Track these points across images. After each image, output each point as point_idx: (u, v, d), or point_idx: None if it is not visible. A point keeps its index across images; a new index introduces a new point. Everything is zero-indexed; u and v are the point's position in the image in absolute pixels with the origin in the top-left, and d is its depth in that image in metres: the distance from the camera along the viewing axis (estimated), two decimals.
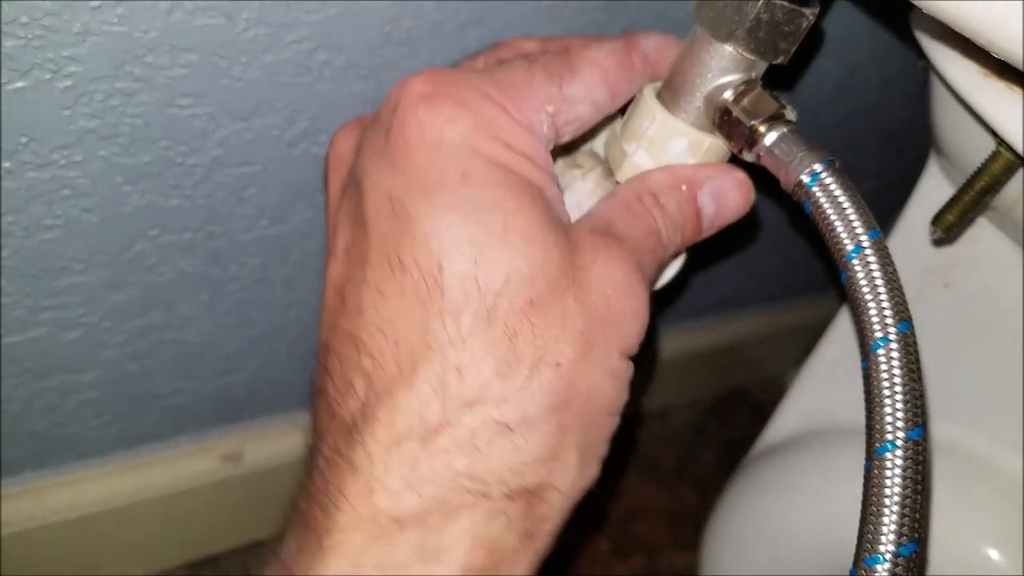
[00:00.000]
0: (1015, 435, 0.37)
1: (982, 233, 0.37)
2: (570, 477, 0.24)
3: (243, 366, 0.46)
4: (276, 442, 0.51)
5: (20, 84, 0.30)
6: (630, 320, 0.25)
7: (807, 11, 0.27)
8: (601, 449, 0.25)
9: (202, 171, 0.36)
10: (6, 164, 0.32)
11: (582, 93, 0.27)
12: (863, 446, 0.24)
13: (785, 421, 0.45)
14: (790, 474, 0.42)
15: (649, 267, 0.26)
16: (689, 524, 0.67)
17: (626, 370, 0.25)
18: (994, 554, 0.36)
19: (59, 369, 0.40)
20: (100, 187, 0.34)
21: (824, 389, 0.44)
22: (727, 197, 0.29)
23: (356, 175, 0.26)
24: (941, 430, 0.38)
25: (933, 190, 0.39)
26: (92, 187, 0.34)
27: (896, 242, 0.40)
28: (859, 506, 0.23)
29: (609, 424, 0.25)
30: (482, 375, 0.23)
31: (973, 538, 0.37)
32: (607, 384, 0.25)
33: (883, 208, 0.44)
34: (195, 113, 0.34)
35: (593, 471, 0.25)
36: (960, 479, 0.37)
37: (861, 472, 0.23)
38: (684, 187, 0.28)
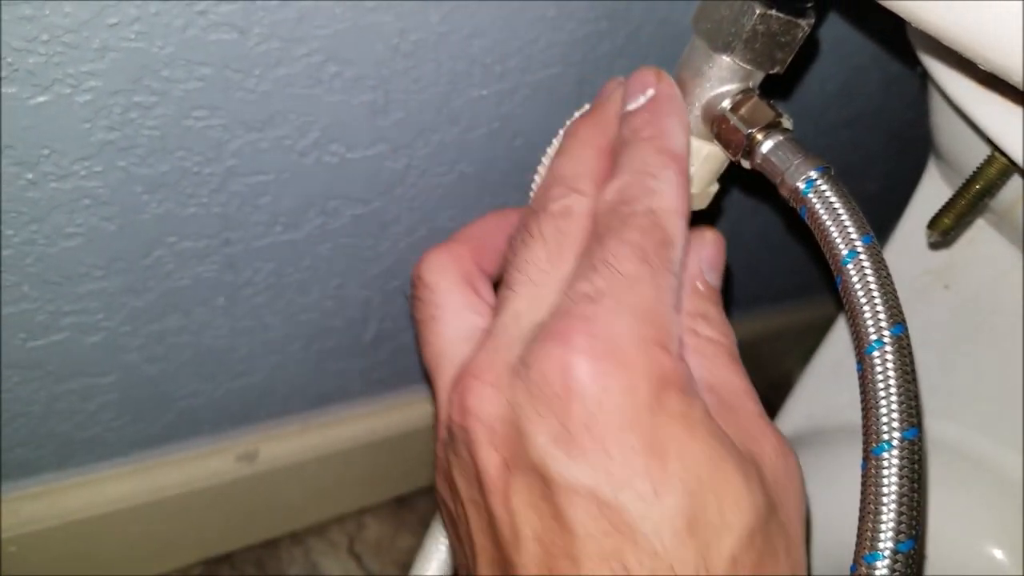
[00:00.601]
0: (1015, 435, 0.38)
1: (981, 235, 0.38)
2: None
3: (257, 368, 0.47)
4: (290, 442, 0.52)
5: (42, 99, 0.31)
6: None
7: (802, 22, 0.27)
8: None
9: (217, 180, 0.37)
10: (29, 175, 0.33)
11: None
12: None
13: (789, 421, 0.45)
14: None
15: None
16: None
17: None
18: (994, 552, 0.37)
19: (80, 372, 0.41)
20: (119, 196, 0.35)
21: (827, 389, 0.44)
22: (720, 261, 0.29)
23: (533, 463, 0.23)
24: (941, 430, 0.38)
25: (932, 193, 0.39)
26: (111, 196, 0.35)
27: (896, 244, 0.41)
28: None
29: None
30: None
31: (973, 536, 0.37)
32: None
33: (888, 208, 0.44)
34: (210, 124, 0.34)
35: None
36: (960, 478, 0.38)
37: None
38: (699, 284, 0.28)
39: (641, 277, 0.24)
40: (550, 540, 0.22)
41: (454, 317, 0.28)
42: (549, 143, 0.34)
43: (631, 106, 0.28)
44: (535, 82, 0.40)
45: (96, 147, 0.33)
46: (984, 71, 0.23)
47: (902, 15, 0.25)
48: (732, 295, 0.66)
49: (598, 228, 0.25)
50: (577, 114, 0.34)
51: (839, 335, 0.44)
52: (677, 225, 0.26)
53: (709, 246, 0.29)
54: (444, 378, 0.27)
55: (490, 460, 0.24)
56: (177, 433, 0.48)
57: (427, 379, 0.28)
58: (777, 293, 0.71)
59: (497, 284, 0.29)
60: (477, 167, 0.43)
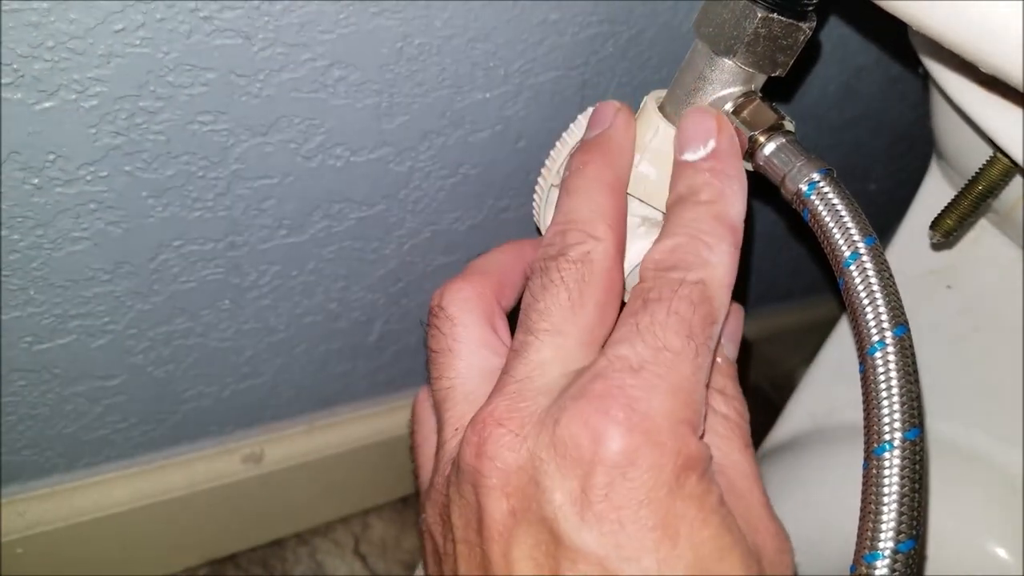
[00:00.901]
0: (1017, 433, 0.38)
1: (984, 235, 0.38)
2: None
3: (263, 370, 0.47)
4: (295, 443, 0.52)
5: (48, 104, 0.31)
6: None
7: (804, 25, 0.27)
8: None
9: (223, 184, 0.37)
10: (34, 180, 0.33)
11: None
12: None
13: (792, 420, 0.46)
14: (797, 473, 0.43)
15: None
16: None
17: None
18: (996, 551, 0.37)
19: (86, 375, 0.42)
20: (125, 201, 0.35)
21: (830, 388, 0.44)
22: (740, 332, 0.30)
23: (544, 518, 0.23)
24: (944, 429, 0.38)
25: (935, 193, 0.39)
26: (117, 201, 0.35)
27: (899, 245, 0.41)
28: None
29: None
30: None
31: (975, 535, 0.37)
32: None
33: (890, 208, 0.44)
34: (215, 129, 0.35)
35: None
36: (963, 477, 0.38)
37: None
38: (719, 358, 0.29)
39: (684, 354, 0.24)
40: None
41: (471, 354, 0.28)
42: (552, 146, 0.35)
43: (689, 156, 0.28)
44: (538, 85, 0.40)
45: (102, 152, 0.33)
46: (986, 73, 0.23)
47: (904, 19, 0.25)
48: (738, 294, 0.66)
49: (646, 289, 0.25)
50: (580, 117, 0.35)
51: (841, 335, 0.44)
52: (724, 302, 0.26)
53: (732, 318, 0.29)
54: (454, 413, 0.27)
55: (497, 507, 0.24)
56: (183, 435, 0.48)
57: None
58: (779, 293, 0.71)
59: (511, 318, 0.29)
60: (480, 169, 0.43)
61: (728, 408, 0.28)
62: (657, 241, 0.27)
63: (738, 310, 0.29)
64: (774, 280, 0.68)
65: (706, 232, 0.26)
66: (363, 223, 0.42)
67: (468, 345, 0.28)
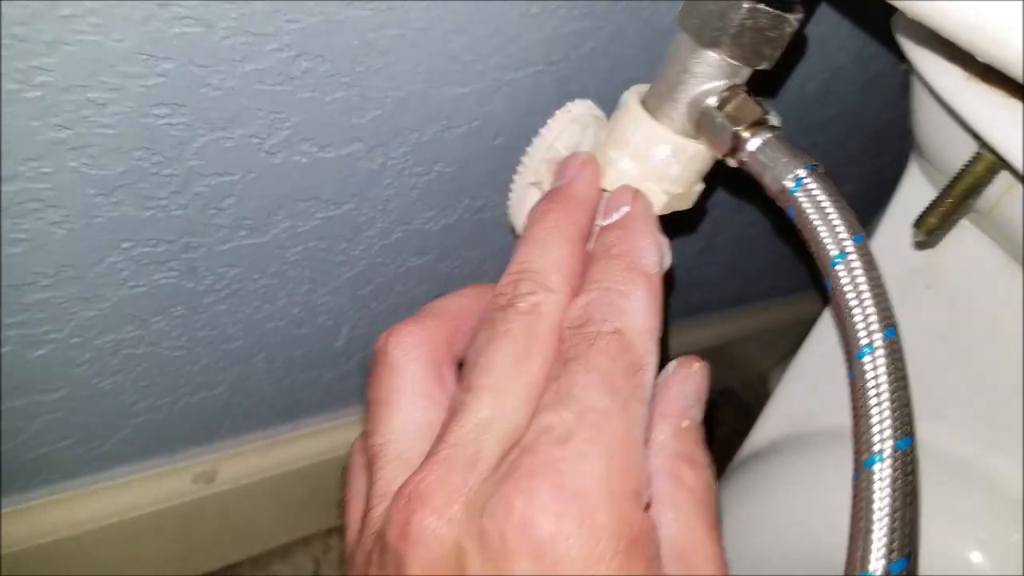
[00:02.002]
0: (997, 434, 0.38)
1: (964, 234, 0.38)
2: None
3: (219, 381, 0.45)
4: (252, 460, 0.50)
5: None
6: None
7: (791, 17, 0.27)
8: None
9: (178, 181, 0.34)
10: None
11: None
12: (848, 449, 0.24)
13: (770, 426, 0.45)
14: (775, 480, 0.42)
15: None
16: None
17: None
18: (980, 557, 0.37)
19: (24, 388, 0.39)
20: (70, 199, 0.33)
21: (808, 393, 0.44)
22: (706, 393, 0.28)
23: None
24: (923, 429, 0.38)
25: (914, 192, 0.39)
26: (61, 199, 0.33)
27: (878, 244, 0.41)
28: (846, 510, 0.23)
29: None
30: None
31: (960, 540, 0.37)
32: None
33: (868, 207, 0.45)
34: (171, 123, 0.32)
35: None
36: (944, 479, 0.38)
37: (847, 475, 0.23)
38: (685, 422, 0.27)
39: (611, 411, 0.22)
40: None
41: (411, 406, 0.26)
42: (529, 142, 0.34)
43: (606, 222, 0.28)
44: (516, 80, 0.38)
45: (45, 146, 0.31)
46: (974, 65, 0.23)
47: (899, 7, 0.24)
48: (711, 296, 0.66)
49: (564, 350, 0.24)
50: (558, 112, 0.33)
51: (818, 338, 0.44)
52: (648, 347, 0.24)
53: (696, 377, 0.27)
54: (384, 475, 0.25)
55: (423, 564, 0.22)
56: (130, 452, 0.46)
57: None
58: (751, 294, 0.71)
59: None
60: (456, 167, 0.41)
61: (695, 480, 0.25)
62: (573, 300, 0.26)
63: (702, 369, 0.28)
64: (746, 281, 0.68)
65: (619, 282, 0.25)
66: (330, 223, 0.40)
67: (408, 397, 0.26)
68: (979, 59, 0.23)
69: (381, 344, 0.27)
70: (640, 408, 0.23)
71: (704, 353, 0.69)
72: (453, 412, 0.24)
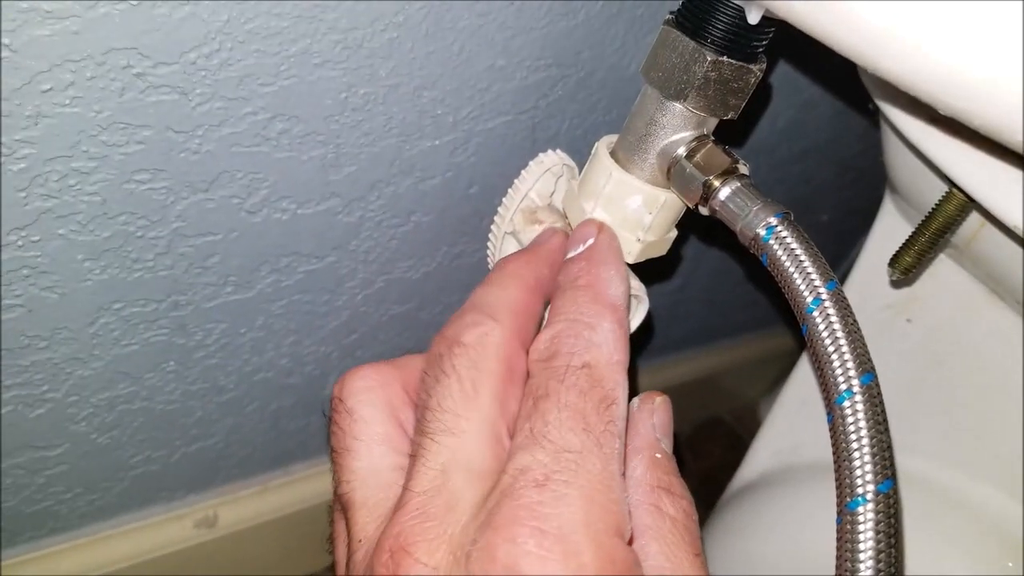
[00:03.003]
0: (977, 464, 0.37)
1: (941, 268, 0.38)
2: None
3: (213, 431, 0.46)
4: (249, 504, 0.50)
5: None
6: None
7: (754, 67, 0.27)
8: None
9: (164, 243, 0.35)
10: None
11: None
12: (833, 483, 0.24)
13: (758, 460, 0.45)
14: (764, 514, 0.42)
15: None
16: None
17: None
18: None
19: (26, 445, 0.40)
20: (59, 265, 0.34)
21: (794, 427, 0.44)
22: (671, 424, 0.28)
23: None
24: (904, 462, 0.38)
25: (890, 227, 0.39)
26: (51, 265, 0.34)
27: (856, 279, 0.41)
28: (832, 541, 0.23)
29: None
30: None
31: (941, 568, 0.37)
32: None
33: (844, 236, 0.45)
34: (153, 187, 0.33)
35: None
36: (925, 510, 0.38)
37: (832, 508, 0.23)
38: (658, 454, 0.27)
39: (587, 450, 0.22)
40: None
41: (371, 454, 0.26)
42: (504, 192, 0.34)
43: (571, 254, 0.28)
44: (487, 130, 0.39)
45: (33, 215, 0.32)
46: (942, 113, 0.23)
47: (859, 63, 0.25)
48: (698, 328, 0.66)
49: (534, 387, 0.24)
50: (532, 163, 0.34)
51: (804, 372, 0.44)
52: (617, 380, 0.24)
53: (660, 411, 0.28)
54: (357, 522, 0.25)
55: None
56: (132, 502, 0.46)
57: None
58: (736, 326, 0.71)
59: None
60: (432, 216, 0.42)
61: (675, 509, 0.25)
62: (539, 333, 0.26)
63: (666, 401, 0.28)
64: (731, 314, 0.68)
65: (585, 314, 0.25)
66: (313, 276, 0.41)
67: (368, 444, 0.26)
68: (940, 111, 0.23)
69: (336, 390, 0.27)
70: (615, 442, 0.23)
71: (692, 385, 0.69)
72: (413, 460, 0.24)
